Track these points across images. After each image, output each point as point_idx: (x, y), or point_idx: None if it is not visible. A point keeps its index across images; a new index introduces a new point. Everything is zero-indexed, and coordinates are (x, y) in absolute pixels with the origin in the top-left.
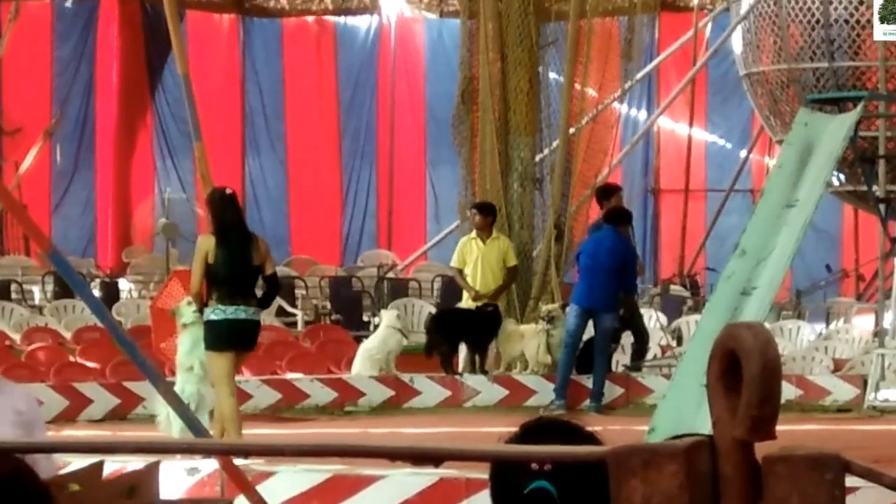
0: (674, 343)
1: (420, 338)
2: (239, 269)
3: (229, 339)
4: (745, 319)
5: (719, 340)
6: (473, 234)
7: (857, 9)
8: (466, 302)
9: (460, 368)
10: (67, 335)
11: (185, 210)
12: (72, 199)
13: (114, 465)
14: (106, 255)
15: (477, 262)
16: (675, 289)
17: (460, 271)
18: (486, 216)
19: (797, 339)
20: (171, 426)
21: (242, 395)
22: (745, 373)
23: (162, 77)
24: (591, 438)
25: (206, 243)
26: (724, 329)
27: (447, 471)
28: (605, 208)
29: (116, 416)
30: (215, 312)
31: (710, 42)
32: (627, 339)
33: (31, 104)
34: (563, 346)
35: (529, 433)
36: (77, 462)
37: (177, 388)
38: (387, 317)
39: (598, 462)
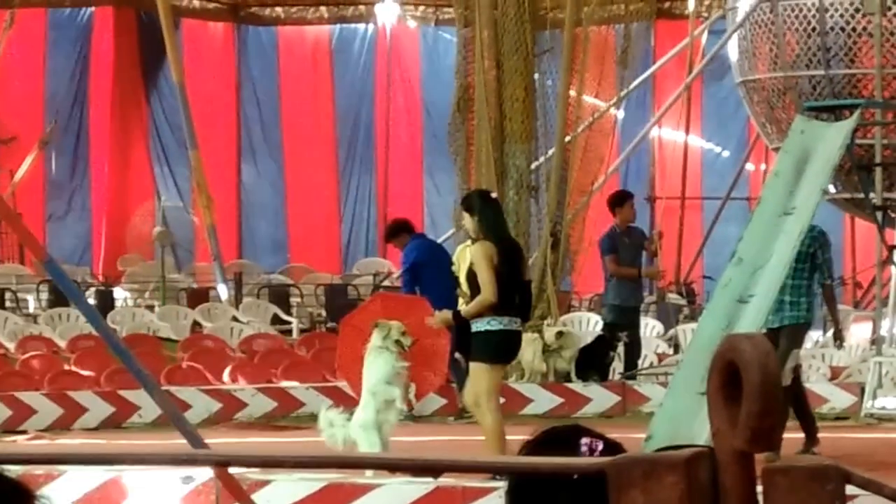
0: (670, 351)
1: None
2: (515, 278)
3: (507, 351)
4: (742, 328)
5: (719, 352)
6: (468, 241)
7: (853, 17)
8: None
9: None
10: (62, 344)
11: (181, 218)
12: (66, 208)
13: (109, 475)
14: (103, 264)
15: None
16: (672, 297)
17: (457, 278)
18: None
19: None
20: (334, 436)
21: (237, 404)
22: (746, 384)
23: (157, 85)
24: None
25: (488, 249)
26: (723, 340)
27: (444, 480)
28: (617, 215)
29: (111, 424)
30: (491, 323)
31: (707, 50)
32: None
33: (25, 112)
34: None
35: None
36: (72, 471)
37: (365, 414)
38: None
39: (599, 473)
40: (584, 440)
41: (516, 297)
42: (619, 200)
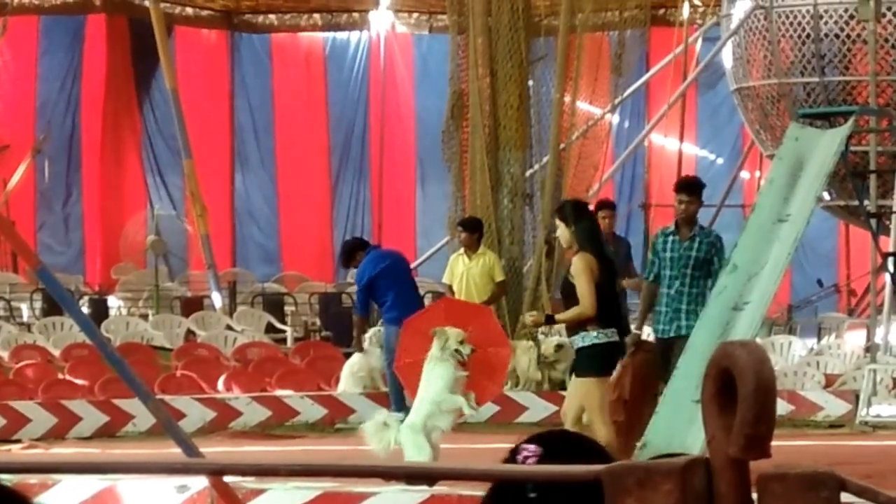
0: None
1: None
2: (613, 288)
3: (613, 364)
4: (737, 335)
5: (714, 359)
6: (461, 249)
7: (847, 23)
8: None
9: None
10: (56, 352)
11: (174, 226)
12: (58, 216)
13: (103, 484)
14: (94, 272)
15: (462, 277)
16: None
17: (450, 287)
18: (472, 233)
19: (789, 354)
20: (385, 439)
21: (231, 413)
22: (740, 391)
23: (150, 93)
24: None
25: (590, 261)
26: (718, 347)
27: (439, 488)
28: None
29: (105, 433)
30: (598, 337)
31: (701, 57)
32: None
33: (17, 120)
34: (388, 367)
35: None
36: (66, 480)
37: (415, 418)
38: (368, 334)
39: (594, 481)
40: (521, 447)
41: (615, 309)
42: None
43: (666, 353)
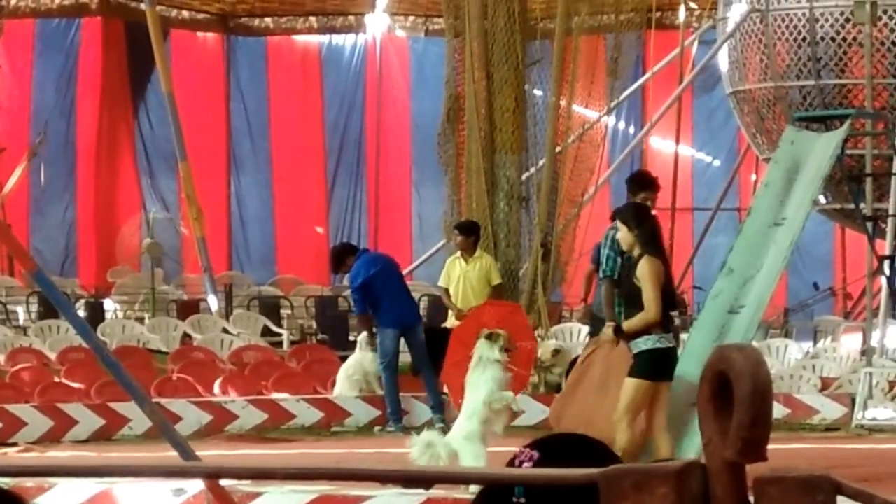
0: None
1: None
2: (672, 292)
3: (666, 372)
4: (733, 338)
5: (710, 362)
6: (458, 253)
7: (843, 26)
8: (451, 321)
9: (445, 387)
10: (52, 356)
11: (169, 229)
12: (52, 219)
13: (99, 487)
14: (89, 275)
15: (459, 280)
16: None
17: (447, 290)
18: (468, 236)
19: (785, 357)
20: (436, 455)
21: (227, 416)
22: (737, 395)
23: (145, 96)
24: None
25: (658, 267)
26: (714, 351)
27: (435, 491)
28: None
29: (102, 436)
30: (660, 341)
31: (697, 60)
32: None
33: (12, 123)
34: (383, 370)
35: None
36: (62, 484)
37: (470, 425)
38: (361, 337)
39: (590, 484)
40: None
41: (670, 314)
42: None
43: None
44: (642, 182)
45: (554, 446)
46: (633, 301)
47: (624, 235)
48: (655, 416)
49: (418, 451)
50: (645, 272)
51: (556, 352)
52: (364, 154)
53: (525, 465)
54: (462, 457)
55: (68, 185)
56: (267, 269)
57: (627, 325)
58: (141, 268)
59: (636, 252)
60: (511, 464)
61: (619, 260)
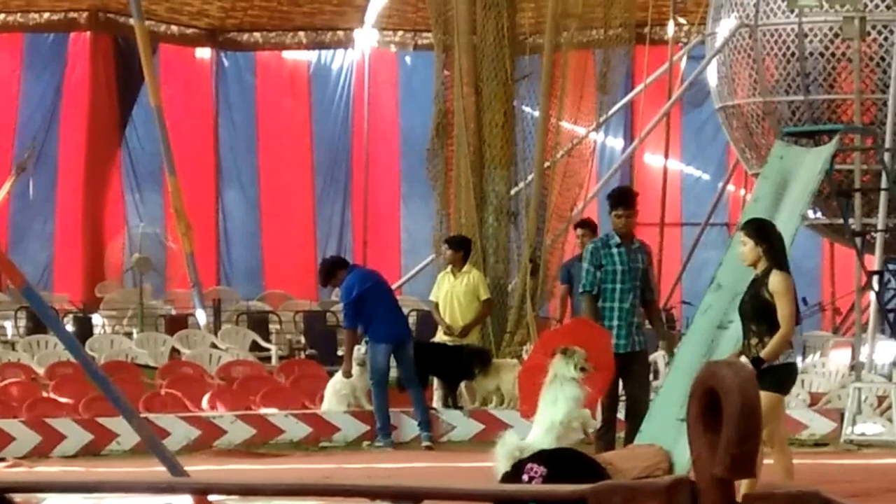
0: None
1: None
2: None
3: (792, 384)
4: (722, 354)
5: (699, 378)
6: (448, 267)
7: (832, 41)
8: (440, 336)
9: (434, 403)
10: (40, 371)
11: (155, 244)
12: (39, 234)
13: (88, 503)
14: (77, 290)
15: (447, 295)
16: None
17: (437, 305)
18: (457, 250)
19: None
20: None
21: (216, 431)
22: (725, 411)
23: (133, 110)
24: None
25: (790, 282)
26: (704, 367)
27: None
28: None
29: (90, 452)
30: (791, 356)
31: (686, 75)
32: None
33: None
34: (373, 385)
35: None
36: (51, 499)
37: (547, 442)
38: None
39: (580, 500)
40: (527, 466)
41: None
42: (575, 227)
43: (625, 369)
44: (621, 199)
45: (561, 462)
46: (763, 316)
47: (748, 249)
48: (777, 431)
49: (503, 453)
50: (780, 288)
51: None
52: (352, 169)
53: (535, 480)
54: None
55: (55, 199)
56: (254, 283)
57: (768, 352)
58: (126, 282)
59: (761, 267)
60: (519, 478)
61: (598, 274)
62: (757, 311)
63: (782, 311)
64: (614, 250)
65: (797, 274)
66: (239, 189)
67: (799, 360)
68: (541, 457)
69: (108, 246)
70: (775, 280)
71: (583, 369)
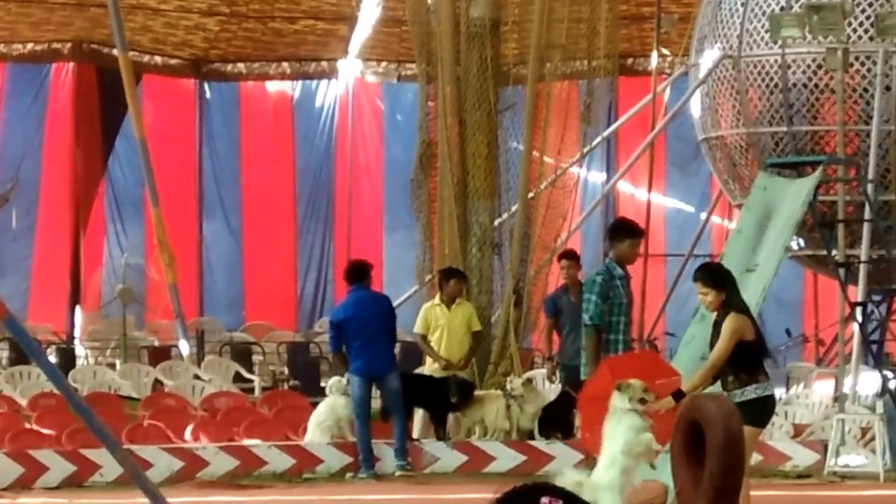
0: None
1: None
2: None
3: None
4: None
5: (683, 411)
6: (437, 299)
7: (815, 73)
8: (431, 368)
9: (415, 434)
10: (23, 402)
11: (136, 275)
12: (20, 264)
13: None
14: (60, 321)
15: (443, 329)
16: None
17: (424, 337)
18: (463, 282)
19: None
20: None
21: (199, 462)
22: (709, 443)
23: (116, 142)
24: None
25: (742, 324)
26: (687, 399)
27: None
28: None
29: (73, 483)
30: (768, 389)
31: (669, 106)
32: None
33: None
34: (355, 417)
35: (511, 499)
36: None
37: (611, 475)
38: (331, 383)
39: None
40: (544, 499)
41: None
42: (559, 259)
43: None
44: (632, 229)
45: (574, 499)
46: (732, 357)
47: (711, 296)
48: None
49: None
50: (728, 328)
51: (529, 381)
52: (335, 199)
53: None
54: None
55: (37, 229)
56: (236, 314)
57: (688, 387)
58: (106, 313)
59: (721, 311)
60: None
61: (603, 306)
62: (736, 355)
63: (716, 350)
64: (618, 282)
65: (780, 305)
66: (222, 219)
67: (782, 391)
68: (560, 490)
69: (88, 277)
70: (727, 322)
71: (642, 400)
